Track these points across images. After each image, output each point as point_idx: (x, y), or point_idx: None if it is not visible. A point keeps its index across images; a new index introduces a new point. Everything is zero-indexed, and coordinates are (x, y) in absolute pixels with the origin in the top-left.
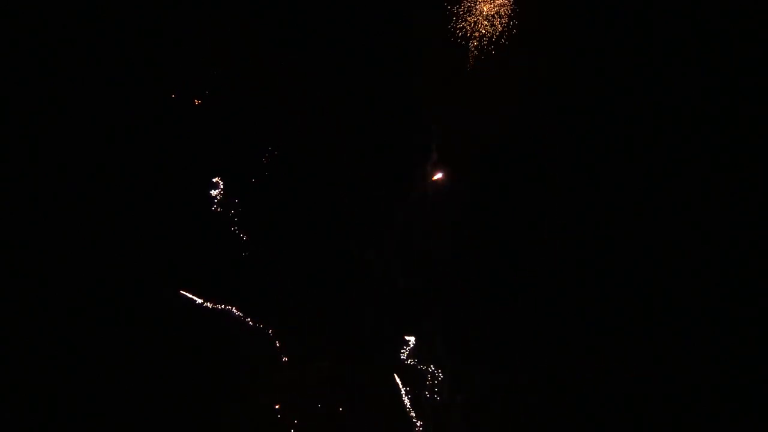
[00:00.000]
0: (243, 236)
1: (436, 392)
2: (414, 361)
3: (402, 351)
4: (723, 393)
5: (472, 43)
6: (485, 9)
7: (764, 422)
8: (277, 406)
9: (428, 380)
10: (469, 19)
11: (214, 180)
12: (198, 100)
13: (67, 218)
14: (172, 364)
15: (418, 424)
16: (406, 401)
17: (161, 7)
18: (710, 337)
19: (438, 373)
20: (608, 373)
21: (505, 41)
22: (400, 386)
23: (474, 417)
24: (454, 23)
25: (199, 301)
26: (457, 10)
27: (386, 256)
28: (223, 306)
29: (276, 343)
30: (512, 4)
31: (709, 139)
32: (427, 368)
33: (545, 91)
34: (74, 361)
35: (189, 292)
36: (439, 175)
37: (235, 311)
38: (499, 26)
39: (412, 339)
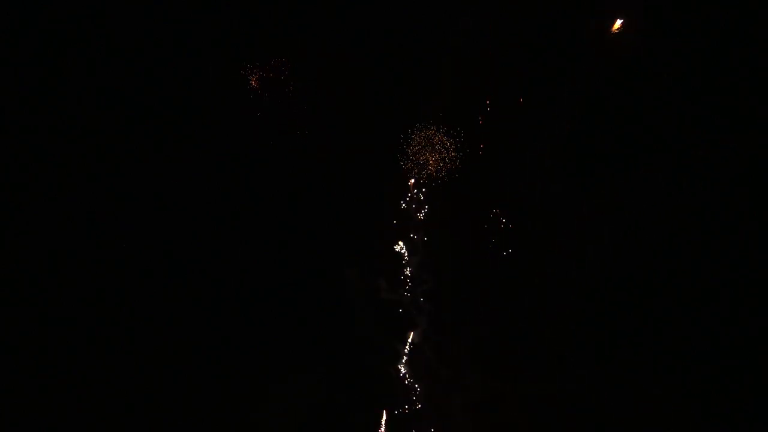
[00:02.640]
0: (238, 243)
1: (429, 396)
2: (407, 367)
3: (395, 358)
4: (723, 394)
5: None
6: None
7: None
8: (277, 413)
9: (422, 385)
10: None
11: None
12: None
13: (66, 219)
14: (166, 370)
15: (411, 425)
16: (401, 406)
17: (162, 8)
18: (711, 338)
19: (431, 378)
20: (603, 377)
21: (498, 46)
22: (395, 392)
23: (465, 422)
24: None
25: (194, 312)
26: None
27: (376, 265)
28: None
29: (273, 354)
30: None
31: (709, 139)
32: (419, 374)
33: (535, 98)
34: (74, 361)
35: (184, 303)
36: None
37: (233, 321)
38: (494, 32)
39: (403, 347)
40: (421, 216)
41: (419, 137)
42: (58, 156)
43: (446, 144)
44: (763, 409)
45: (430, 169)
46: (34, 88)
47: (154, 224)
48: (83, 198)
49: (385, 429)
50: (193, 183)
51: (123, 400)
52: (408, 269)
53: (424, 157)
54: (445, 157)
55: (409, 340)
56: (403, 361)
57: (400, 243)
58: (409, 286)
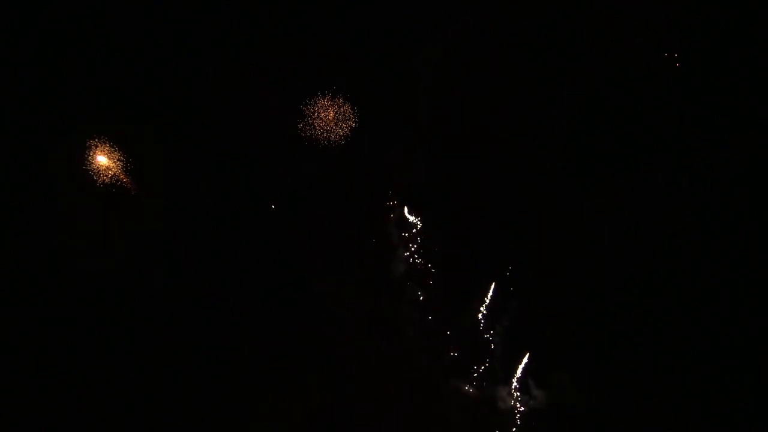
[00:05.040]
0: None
1: (424, 400)
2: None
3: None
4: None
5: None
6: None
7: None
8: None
9: (416, 389)
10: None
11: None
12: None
13: (66, 218)
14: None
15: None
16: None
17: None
18: (711, 338)
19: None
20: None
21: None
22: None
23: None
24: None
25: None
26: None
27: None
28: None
29: (261, 362)
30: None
31: (709, 140)
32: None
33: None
34: (75, 361)
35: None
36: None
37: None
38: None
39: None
40: (416, 217)
41: (413, 139)
42: (58, 156)
43: (441, 145)
44: (763, 409)
45: (425, 171)
46: (34, 88)
47: (153, 224)
48: (83, 198)
49: None
50: (191, 184)
51: (123, 400)
52: (402, 271)
53: (418, 158)
54: (440, 158)
55: (402, 345)
56: (395, 366)
57: (394, 245)
58: (400, 289)
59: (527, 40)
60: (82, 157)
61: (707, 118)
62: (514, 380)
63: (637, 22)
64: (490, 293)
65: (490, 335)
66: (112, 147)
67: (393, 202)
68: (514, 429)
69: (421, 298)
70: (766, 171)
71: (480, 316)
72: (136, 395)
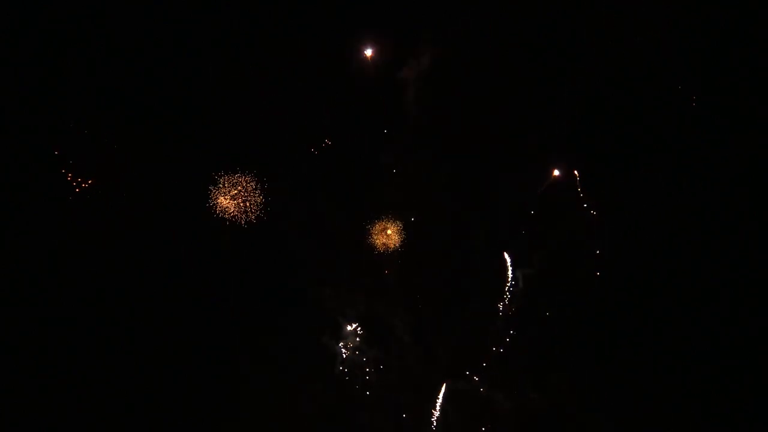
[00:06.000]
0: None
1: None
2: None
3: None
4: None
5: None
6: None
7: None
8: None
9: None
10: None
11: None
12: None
13: (66, 219)
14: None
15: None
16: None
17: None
18: (711, 338)
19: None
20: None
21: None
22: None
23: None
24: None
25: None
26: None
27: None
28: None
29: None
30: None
31: (708, 140)
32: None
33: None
34: (76, 361)
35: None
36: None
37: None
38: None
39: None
40: (415, 217)
41: (411, 139)
42: (58, 156)
43: (441, 145)
44: (764, 409)
45: (425, 171)
46: (34, 88)
47: (152, 224)
48: (83, 198)
49: None
50: (191, 184)
51: (123, 400)
52: (400, 272)
53: (417, 158)
54: (440, 158)
55: (400, 346)
56: (394, 366)
57: (393, 246)
58: (399, 290)
59: (527, 40)
60: (81, 158)
61: (707, 118)
62: (513, 381)
63: (637, 22)
64: (490, 293)
65: (490, 336)
66: (112, 147)
67: (392, 203)
68: (513, 429)
69: (420, 299)
70: (766, 171)
71: (479, 316)
72: (136, 395)
